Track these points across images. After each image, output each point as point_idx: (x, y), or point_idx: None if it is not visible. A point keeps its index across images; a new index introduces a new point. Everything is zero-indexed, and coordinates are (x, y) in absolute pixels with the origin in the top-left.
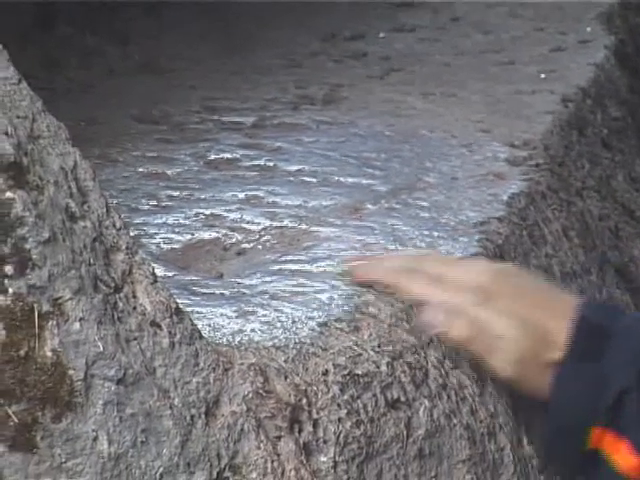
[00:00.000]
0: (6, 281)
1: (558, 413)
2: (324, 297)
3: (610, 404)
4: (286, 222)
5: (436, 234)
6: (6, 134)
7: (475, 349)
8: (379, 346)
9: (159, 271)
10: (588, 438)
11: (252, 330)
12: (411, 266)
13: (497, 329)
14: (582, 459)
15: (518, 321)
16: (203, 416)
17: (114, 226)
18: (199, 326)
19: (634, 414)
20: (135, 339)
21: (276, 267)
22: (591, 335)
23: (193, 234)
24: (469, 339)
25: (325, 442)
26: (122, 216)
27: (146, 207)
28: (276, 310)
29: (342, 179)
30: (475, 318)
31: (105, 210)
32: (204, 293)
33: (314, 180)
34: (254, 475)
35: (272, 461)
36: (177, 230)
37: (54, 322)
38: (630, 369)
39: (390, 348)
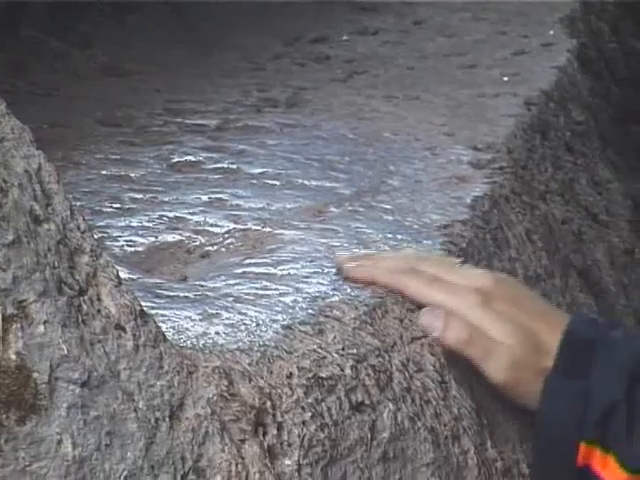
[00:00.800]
0: None
1: (546, 428)
2: (288, 300)
3: (597, 419)
4: (250, 225)
5: (400, 237)
6: None
7: (470, 353)
8: (343, 349)
9: (123, 274)
10: (577, 453)
11: (216, 333)
12: (410, 267)
13: (493, 334)
14: (572, 475)
15: (515, 327)
16: (167, 419)
17: (78, 229)
18: (163, 329)
19: (621, 428)
20: (99, 342)
21: (240, 270)
22: (579, 348)
23: (157, 237)
24: (465, 342)
25: (289, 445)
26: (86, 219)
27: (109, 210)
28: (240, 313)
29: (306, 182)
30: (472, 321)
31: (69, 213)
32: (168, 296)
33: (278, 183)
34: (218, 478)
35: (236, 464)
36: (141, 233)
37: (18, 325)
38: (616, 383)
39: (354, 351)
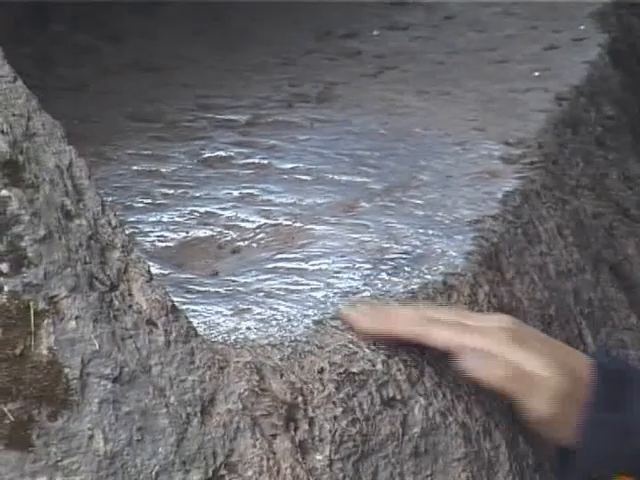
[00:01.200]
0: (2, 279)
1: (585, 461)
2: (319, 295)
3: (635, 453)
4: (281, 220)
5: (430, 232)
6: (2, 132)
7: (510, 390)
8: (374, 344)
9: (154, 269)
10: None
11: (247, 328)
12: (424, 317)
13: (531, 368)
14: None
15: (550, 359)
16: (199, 414)
17: (109, 224)
18: (195, 324)
19: None
20: (131, 337)
21: (271, 265)
22: (612, 381)
23: (188, 232)
24: (508, 380)
25: (321, 440)
26: (117, 214)
27: (141, 205)
28: (271, 308)
29: (336, 177)
30: (508, 359)
31: (100, 208)
32: (199, 291)
33: (308, 178)
34: (250, 473)
35: (268, 459)
36: (172, 228)
37: (50, 320)
38: None
39: (386, 346)
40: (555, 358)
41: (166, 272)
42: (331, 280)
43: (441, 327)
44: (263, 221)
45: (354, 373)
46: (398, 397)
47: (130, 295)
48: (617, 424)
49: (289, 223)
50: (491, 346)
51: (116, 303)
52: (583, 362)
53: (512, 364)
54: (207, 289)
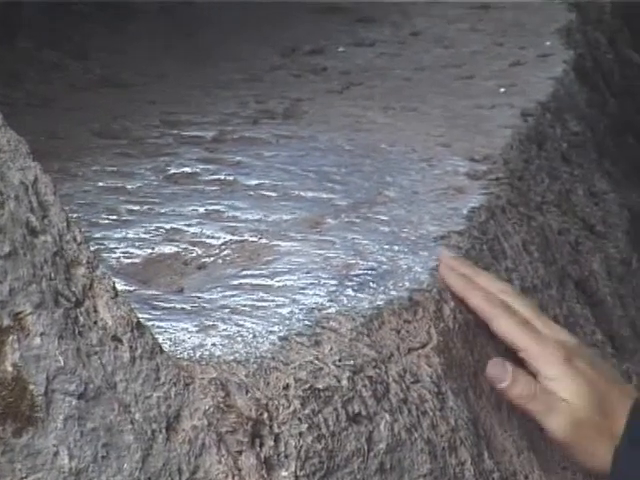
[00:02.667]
0: None
1: None
2: (285, 311)
3: None
4: (246, 236)
5: (396, 248)
6: None
7: (532, 408)
8: (340, 360)
9: (120, 285)
10: None
11: (213, 344)
12: (502, 300)
13: (557, 390)
14: None
15: (583, 387)
16: (164, 431)
17: (75, 240)
18: (160, 340)
19: None
20: (96, 354)
21: (237, 281)
22: None
23: (153, 248)
24: (529, 398)
25: (286, 457)
26: (82, 230)
27: (106, 221)
28: (237, 324)
29: (302, 193)
30: (550, 376)
31: (66, 224)
32: (165, 307)
33: (274, 194)
34: None
35: (233, 476)
36: (137, 244)
37: (15, 337)
38: None
39: (351, 362)
40: (592, 386)
41: (132, 288)
42: (297, 296)
43: (509, 318)
44: (229, 237)
45: (319, 389)
46: (364, 413)
47: (95, 311)
48: None
49: (255, 239)
50: (539, 357)
51: (81, 319)
52: (626, 396)
53: (539, 387)
54: (173, 305)
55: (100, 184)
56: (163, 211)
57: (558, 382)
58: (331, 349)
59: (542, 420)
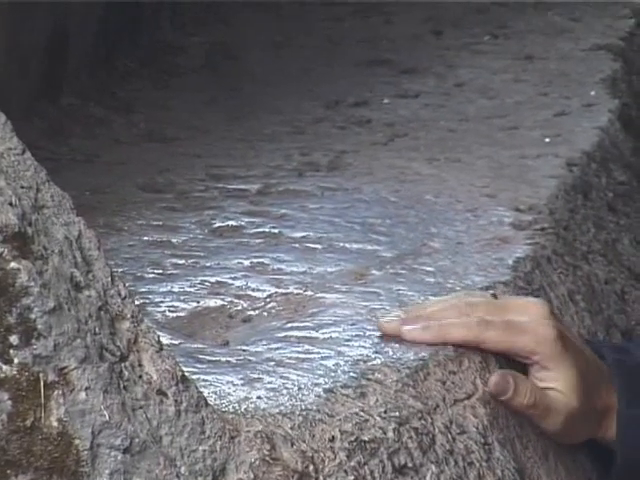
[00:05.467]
0: (12, 351)
1: (624, 455)
2: (330, 363)
3: None
4: (291, 289)
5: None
6: (10, 204)
7: (532, 414)
8: (385, 412)
9: (165, 339)
10: None
11: (258, 397)
12: (480, 319)
13: (559, 386)
14: None
15: (578, 377)
16: None
17: (119, 295)
18: (205, 394)
19: None
20: (141, 407)
21: (282, 334)
22: (632, 377)
23: (198, 302)
24: (529, 406)
25: None
26: (127, 285)
27: (151, 275)
28: (282, 377)
29: (347, 245)
30: (538, 386)
31: (110, 279)
32: (210, 361)
33: (319, 246)
34: None
35: None
36: (182, 298)
37: (60, 392)
38: None
39: (397, 414)
40: (580, 372)
41: (177, 342)
42: (342, 348)
43: (493, 331)
44: (274, 290)
45: (365, 441)
46: (410, 465)
47: (140, 365)
48: None
49: (300, 292)
50: (537, 348)
51: (126, 373)
52: (600, 365)
53: (539, 392)
54: (218, 359)
55: (145, 238)
56: (208, 264)
57: (555, 373)
58: (377, 401)
59: (539, 422)
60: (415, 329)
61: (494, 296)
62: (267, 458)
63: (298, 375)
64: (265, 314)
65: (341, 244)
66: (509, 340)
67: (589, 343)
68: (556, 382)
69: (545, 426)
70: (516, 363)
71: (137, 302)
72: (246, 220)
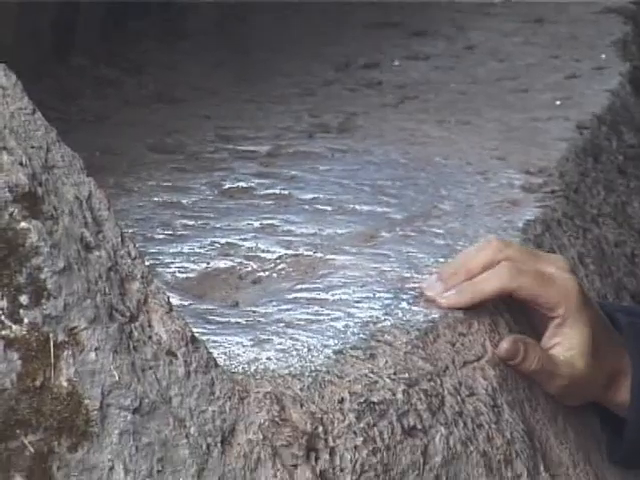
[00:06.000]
0: (21, 311)
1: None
2: (340, 325)
3: None
4: (301, 250)
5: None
6: (21, 164)
7: (538, 377)
8: (395, 374)
9: (174, 300)
10: None
11: (268, 358)
12: (504, 263)
13: (561, 365)
14: None
15: (588, 344)
16: (219, 445)
17: (129, 255)
18: (215, 355)
19: None
20: (151, 368)
21: (292, 295)
22: None
23: (208, 263)
24: (537, 371)
25: (342, 470)
26: (137, 245)
27: (161, 236)
28: (292, 338)
29: (357, 207)
30: (547, 352)
31: (120, 239)
32: (219, 322)
33: (329, 208)
34: None
35: None
36: (192, 259)
37: (69, 352)
38: None
39: (406, 375)
40: (591, 339)
41: (186, 303)
42: (352, 310)
43: (526, 279)
44: (284, 252)
45: (374, 402)
46: (419, 426)
47: (150, 326)
48: None
49: (310, 253)
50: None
51: (136, 334)
52: (615, 333)
53: (546, 357)
54: (227, 320)
55: (155, 199)
56: (218, 226)
57: (573, 330)
58: (386, 362)
59: (544, 385)
60: (451, 295)
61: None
62: (276, 419)
63: (307, 336)
64: (275, 275)
65: (351, 206)
66: (539, 289)
67: (600, 305)
68: (571, 340)
69: (547, 389)
70: (523, 326)
71: (147, 263)
72: (256, 181)
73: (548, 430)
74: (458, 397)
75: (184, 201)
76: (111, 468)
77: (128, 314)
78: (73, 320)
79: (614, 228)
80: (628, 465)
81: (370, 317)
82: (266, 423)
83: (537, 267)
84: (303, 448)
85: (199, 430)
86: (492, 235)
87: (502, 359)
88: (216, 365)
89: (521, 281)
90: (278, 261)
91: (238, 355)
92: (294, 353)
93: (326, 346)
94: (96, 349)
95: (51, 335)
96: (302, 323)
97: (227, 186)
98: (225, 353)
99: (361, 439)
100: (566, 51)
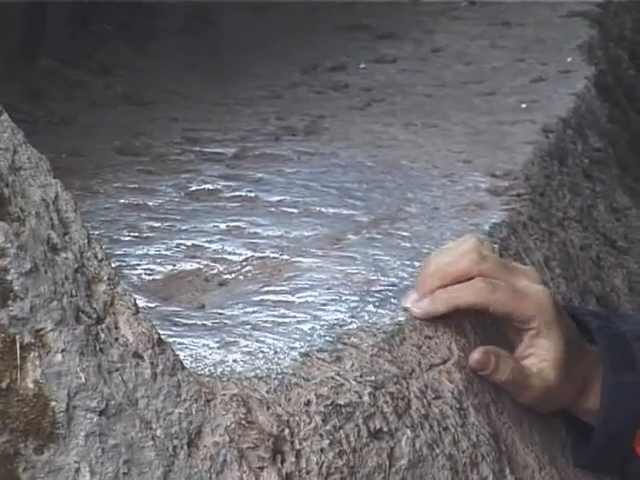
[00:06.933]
0: None
1: (608, 421)
2: (306, 327)
3: None
4: (268, 253)
5: (417, 264)
6: None
7: (509, 388)
8: (361, 376)
9: (141, 302)
10: (634, 440)
11: (234, 361)
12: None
13: (532, 377)
14: (628, 461)
15: (561, 355)
16: (185, 447)
17: (96, 257)
18: (181, 357)
19: None
20: (117, 370)
21: (258, 298)
22: (616, 344)
23: (175, 265)
24: (508, 382)
25: (308, 473)
26: (103, 247)
27: (127, 238)
28: (258, 341)
29: (324, 209)
30: (519, 364)
31: (86, 241)
32: (186, 324)
33: (295, 211)
34: None
35: None
36: (159, 261)
37: (36, 353)
38: None
39: (372, 378)
40: (564, 351)
41: (153, 305)
42: (318, 312)
43: (501, 295)
44: (250, 254)
45: (341, 405)
46: (385, 429)
47: (116, 328)
48: (629, 383)
49: (276, 256)
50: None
51: (102, 336)
52: (583, 340)
53: (518, 370)
54: (194, 322)
55: (121, 201)
56: (184, 228)
57: (547, 341)
58: (352, 365)
59: (515, 395)
60: (424, 303)
61: (499, 251)
62: (243, 421)
63: (274, 339)
64: (241, 278)
65: (317, 208)
66: (513, 304)
67: (568, 309)
68: (545, 351)
69: (518, 399)
70: (488, 329)
71: (113, 265)
72: (222, 184)
73: (514, 433)
74: (424, 400)
75: (150, 203)
76: (77, 470)
77: (95, 316)
78: (39, 322)
79: (580, 231)
80: (594, 469)
81: (336, 320)
82: (232, 425)
83: (511, 282)
84: (269, 450)
85: (165, 432)
86: (473, 236)
87: (473, 370)
88: (182, 367)
89: (496, 297)
90: (244, 263)
91: (204, 357)
92: (260, 355)
93: (292, 349)
94: (62, 351)
95: (17, 337)
96: (268, 325)
97: (193, 188)
98: (191, 355)
99: (327, 442)
100: (532, 54)
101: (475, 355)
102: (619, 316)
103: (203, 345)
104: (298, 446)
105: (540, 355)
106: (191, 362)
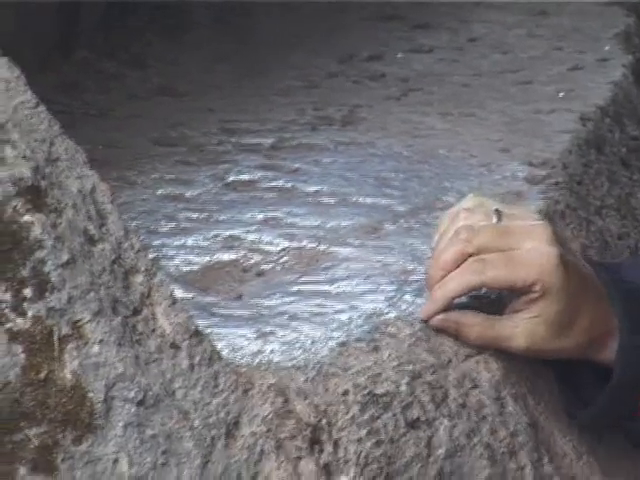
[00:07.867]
0: (25, 304)
1: (622, 383)
2: (343, 317)
3: None
4: (305, 243)
5: None
6: (24, 157)
7: (485, 344)
8: (399, 366)
9: (178, 293)
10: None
11: (271, 351)
12: (476, 257)
13: (517, 337)
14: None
15: (549, 318)
16: (223, 437)
17: (133, 248)
18: (219, 347)
19: None
20: (155, 361)
21: (295, 288)
22: (632, 299)
23: (212, 255)
24: (479, 344)
25: (345, 462)
26: (141, 238)
27: (165, 229)
28: (295, 331)
29: (361, 199)
30: (492, 328)
31: (124, 232)
32: (223, 314)
33: (332, 201)
34: None
35: None
36: (196, 252)
37: (73, 345)
38: None
39: (410, 367)
40: (578, 304)
41: (190, 296)
42: (355, 302)
43: (494, 271)
44: (287, 244)
45: (378, 395)
46: (422, 418)
47: (154, 319)
48: None
49: (313, 246)
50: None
51: (139, 327)
52: (602, 292)
53: (487, 333)
54: (231, 312)
55: (159, 192)
56: (222, 218)
57: (552, 302)
58: (390, 355)
59: (502, 347)
60: (426, 307)
61: (498, 213)
62: (280, 411)
63: (311, 329)
64: (278, 268)
65: (354, 198)
66: (510, 276)
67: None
68: (540, 309)
69: (505, 351)
70: None
71: (151, 256)
72: (260, 174)
73: (551, 423)
74: (462, 389)
75: (188, 194)
76: (115, 460)
77: (132, 307)
78: (77, 313)
79: (617, 220)
80: (594, 429)
81: (374, 309)
82: (270, 415)
83: (509, 249)
84: (307, 440)
85: (203, 422)
86: (475, 196)
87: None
88: (220, 358)
89: (489, 275)
90: (282, 253)
91: (242, 347)
92: (298, 345)
93: (330, 338)
94: (100, 342)
95: (55, 328)
96: (306, 315)
97: (231, 179)
98: (229, 346)
99: (365, 431)
100: (569, 43)
101: (434, 322)
102: (629, 265)
103: (240, 335)
104: (335, 436)
105: (533, 312)
106: (228, 352)
